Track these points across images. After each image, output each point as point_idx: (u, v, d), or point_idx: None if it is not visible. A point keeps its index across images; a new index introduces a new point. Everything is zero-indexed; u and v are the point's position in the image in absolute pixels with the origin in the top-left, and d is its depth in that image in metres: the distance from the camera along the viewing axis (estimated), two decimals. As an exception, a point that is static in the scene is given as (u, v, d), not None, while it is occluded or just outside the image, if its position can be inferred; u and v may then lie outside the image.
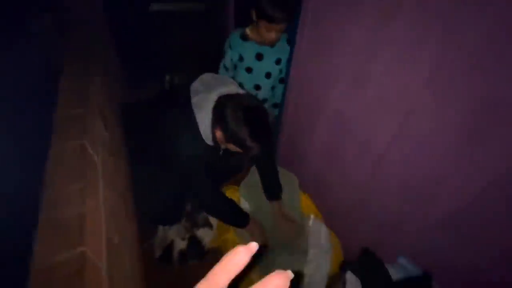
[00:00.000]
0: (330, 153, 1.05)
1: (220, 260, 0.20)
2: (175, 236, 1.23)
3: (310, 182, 1.22)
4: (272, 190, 1.16)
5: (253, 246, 0.20)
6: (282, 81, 1.27)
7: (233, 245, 1.10)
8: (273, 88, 1.30)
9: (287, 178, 1.24)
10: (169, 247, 1.22)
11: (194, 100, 0.88)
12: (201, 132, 0.88)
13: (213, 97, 0.86)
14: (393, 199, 0.83)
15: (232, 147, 0.88)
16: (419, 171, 0.73)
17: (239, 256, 0.20)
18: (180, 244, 1.22)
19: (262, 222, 1.20)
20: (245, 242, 1.07)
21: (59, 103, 0.92)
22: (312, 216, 1.16)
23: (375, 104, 0.79)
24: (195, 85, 0.92)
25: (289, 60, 1.13)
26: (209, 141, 0.91)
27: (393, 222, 0.86)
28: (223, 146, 0.97)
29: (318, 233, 1.10)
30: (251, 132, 0.80)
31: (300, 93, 1.12)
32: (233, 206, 1.04)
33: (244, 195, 1.28)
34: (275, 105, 1.39)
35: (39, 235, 0.58)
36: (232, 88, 0.91)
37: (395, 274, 0.82)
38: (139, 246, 1.20)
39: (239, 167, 1.40)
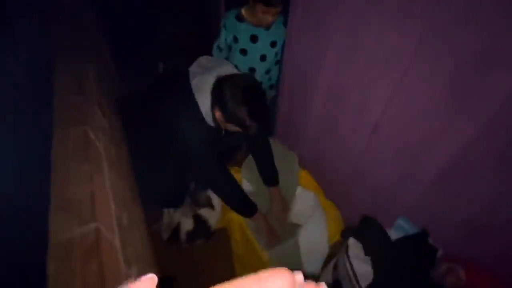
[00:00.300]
0: (326, 126, 1.07)
1: (256, 275, 0.17)
2: (181, 218, 1.27)
3: (308, 158, 1.25)
4: (268, 175, 1.19)
5: (298, 277, 0.18)
6: (278, 63, 1.27)
7: (238, 224, 1.15)
8: (268, 71, 1.30)
9: (286, 156, 1.27)
10: (177, 228, 1.26)
11: (194, 82, 0.89)
12: (203, 113, 0.90)
13: (211, 79, 0.88)
14: (389, 165, 0.86)
15: (231, 126, 0.90)
16: (413, 134, 0.76)
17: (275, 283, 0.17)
18: (187, 225, 1.25)
19: (260, 199, 1.23)
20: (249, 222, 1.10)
21: (56, 93, 0.93)
22: (299, 187, 1.20)
23: (367, 72, 0.80)
24: (193, 68, 0.93)
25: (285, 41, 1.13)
26: (210, 122, 0.92)
27: (390, 188, 0.90)
28: (222, 126, 0.99)
29: (307, 201, 1.14)
30: (250, 111, 0.82)
31: (295, 72, 1.13)
32: (242, 194, 1.06)
33: (246, 176, 1.30)
34: (271, 86, 1.39)
35: (52, 215, 0.60)
36: (229, 69, 0.92)
37: (395, 235, 0.86)
38: (147, 229, 1.24)
39: (238, 147, 1.42)
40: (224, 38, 1.19)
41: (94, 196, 0.65)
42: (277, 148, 1.30)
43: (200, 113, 0.89)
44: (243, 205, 1.06)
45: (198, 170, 1.05)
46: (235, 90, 0.81)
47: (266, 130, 1.19)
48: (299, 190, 1.18)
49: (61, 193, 0.64)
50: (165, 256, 1.26)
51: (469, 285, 0.67)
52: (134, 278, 0.20)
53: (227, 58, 1.25)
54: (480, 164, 0.67)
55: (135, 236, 0.93)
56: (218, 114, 0.88)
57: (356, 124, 0.91)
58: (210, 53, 1.32)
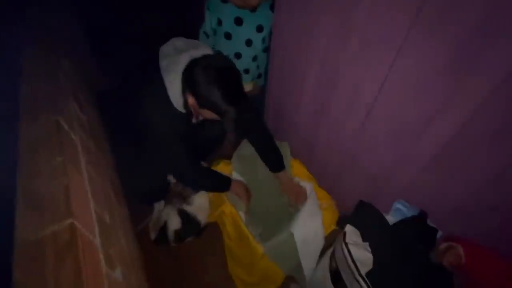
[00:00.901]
0: (318, 113, 1.04)
1: None
2: (168, 216, 1.20)
3: (300, 147, 1.22)
4: (273, 161, 1.14)
5: None
6: (266, 50, 1.22)
7: (231, 216, 1.10)
8: (255, 58, 1.24)
9: (278, 146, 1.23)
10: (164, 228, 1.19)
11: (163, 63, 0.82)
12: (170, 97, 0.82)
13: (183, 60, 0.80)
14: (384, 148, 0.84)
15: (207, 113, 0.83)
16: (409, 115, 0.74)
17: None
18: (174, 224, 1.19)
19: (253, 191, 1.19)
20: (240, 208, 1.07)
21: (24, 83, 0.83)
22: (295, 178, 1.17)
23: (360, 53, 0.77)
24: (165, 49, 0.86)
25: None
26: (180, 107, 0.85)
27: (386, 172, 0.88)
28: (200, 117, 0.92)
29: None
30: (224, 94, 0.75)
31: (284, 58, 1.09)
32: (210, 174, 1.05)
33: (236, 168, 1.25)
34: (259, 75, 1.35)
35: (18, 214, 0.53)
36: (205, 51, 0.86)
37: (393, 220, 0.84)
38: (132, 229, 1.16)
39: (220, 138, 1.36)
40: (209, 21, 1.13)
41: (69, 190, 0.57)
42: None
43: (167, 97, 0.82)
44: (217, 184, 1.06)
45: (164, 160, 0.99)
46: (207, 71, 0.75)
47: (257, 115, 1.12)
48: (295, 181, 1.15)
49: (29, 188, 0.56)
50: (153, 254, 1.20)
51: (468, 263, 0.66)
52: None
53: (213, 46, 1.20)
54: (477, 144, 0.66)
55: (118, 235, 0.86)
56: (191, 100, 0.81)
57: (350, 108, 0.88)
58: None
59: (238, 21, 1.09)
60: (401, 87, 0.72)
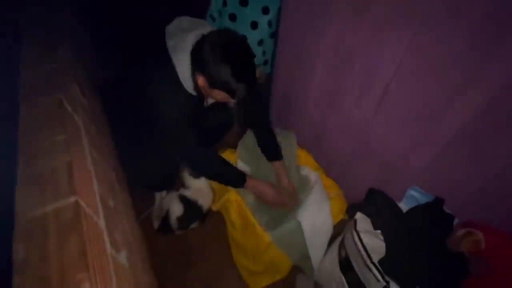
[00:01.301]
0: (329, 99, 1.01)
1: None
2: (170, 204, 1.17)
3: (307, 136, 1.19)
4: (271, 149, 1.11)
5: None
6: (273, 36, 1.19)
7: (236, 204, 1.07)
8: (261, 42, 1.21)
9: (284, 137, 1.20)
10: (166, 217, 1.16)
11: (171, 43, 0.78)
12: (180, 78, 0.79)
13: (190, 39, 0.77)
14: (399, 132, 0.81)
15: (218, 94, 0.79)
16: (425, 99, 0.71)
17: None
18: (176, 211, 1.16)
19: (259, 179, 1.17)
20: (249, 198, 1.04)
21: (24, 65, 0.80)
22: (305, 168, 1.14)
23: (377, 34, 0.74)
24: (170, 28, 0.82)
25: (280, 9, 1.05)
26: (190, 89, 0.81)
27: (399, 157, 0.85)
28: (210, 100, 0.89)
29: (308, 181, 1.09)
30: (233, 70, 0.71)
31: (293, 43, 1.06)
32: (227, 165, 0.98)
33: (242, 157, 1.23)
34: (265, 62, 1.31)
35: (18, 192, 0.50)
36: (211, 29, 0.82)
37: (406, 207, 0.81)
38: (135, 216, 1.14)
39: (228, 125, 1.33)
40: (214, 3, 1.10)
41: (72, 168, 0.55)
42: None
43: (177, 77, 0.78)
44: (231, 176, 0.97)
45: (176, 146, 0.93)
46: (214, 48, 0.70)
47: (260, 97, 1.09)
48: (304, 170, 1.11)
49: (30, 165, 0.54)
50: (156, 243, 1.18)
51: (489, 249, 0.63)
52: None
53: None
54: (497, 126, 0.63)
55: (122, 221, 0.83)
56: (200, 80, 0.77)
57: (363, 91, 0.85)
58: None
59: (243, 2, 1.06)
60: (419, 68, 0.69)
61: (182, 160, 1.13)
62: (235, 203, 1.05)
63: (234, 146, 1.25)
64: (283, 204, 1.01)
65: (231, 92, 0.75)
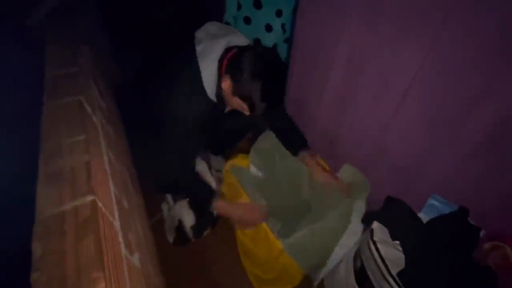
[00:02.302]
0: (343, 102, 0.99)
1: None
2: (181, 215, 1.16)
3: (319, 140, 1.17)
4: (296, 144, 1.08)
5: None
6: (287, 41, 1.19)
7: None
8: (275, 47, 1.21)
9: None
10: (179, 227, 1.15)
11: (199, 48, 0.80)
12: (204, 83, 0.80)
13: (220, 45, 0.79)
14: (419, 137, 0.78)
15: (236, 102, 0.80)
16: (449, 101, 0.68)
17: None
18: (189, 220, 1.15)
19: (271, 185, 1.15)
20: (262, 205, 1.01)
21: (48, 65, 0.84)
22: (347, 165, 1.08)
23: (397, 34, 0.72)
24: (199, 34, 0.84)
25: (294, 12, 1.05)
26: (212, 95, 0.83)
27: (419, 164, 0.82)
28: (226, 100, 0.89)
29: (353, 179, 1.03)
30: (264, 89, 0.73)
31: (307, 46, 1.05)
32: (201, 182, 1.00)
33: (254, 162, 1.22)
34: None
35: (39, 189, 0.51)
36: (241, 39, 0.84)
37: (427, 217, 0.78)
38: (147, 219, 1.14)
39: (243, 132, 1.32)
40: (229, 8, 1.12)
41: (90, 167, 0.55)
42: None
43: (201, 81, 0.79)
44: (201, 192, 0.98)
45: (171, 139, 0.92)
46: (257, 62, 0.72)
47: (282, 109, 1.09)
48: (346, 167, 1.06)
49: (50, 164, 0.55)
50: (166, 246, 1.17)
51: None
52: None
53: None
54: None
55: (136, 222, 0.84)
56: (226, 83, 0.78)
57: (380, 95, 0.83)
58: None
59: (257, 4, 1.07)
60: (444, 68, 0.66)
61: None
62: (247, 208, 1.04)
63: (245, 152, 1.24)
64: (253, 224, 0.97)
65: (251, 106, 0.76)
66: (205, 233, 1.18)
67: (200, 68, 0.79)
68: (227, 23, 1.18)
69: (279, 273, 1.00)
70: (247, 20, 1.11)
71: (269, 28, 1.12)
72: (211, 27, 0.85)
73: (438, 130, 0.72)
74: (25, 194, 0.59)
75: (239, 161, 1.22)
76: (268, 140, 1.22)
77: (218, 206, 0.96)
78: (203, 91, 0.81)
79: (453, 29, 0.61)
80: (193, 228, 1.15)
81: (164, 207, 1.26)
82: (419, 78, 0.71)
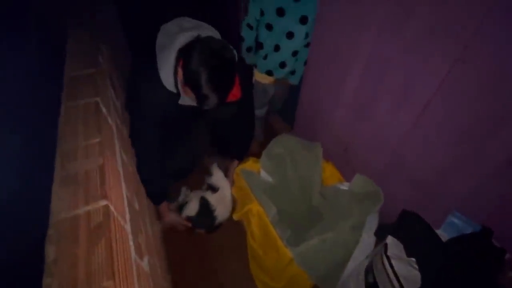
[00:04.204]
0: (360, 111, 0.96)
1: None
2: (190, 200, 1.16)
3: (334, 148, 1.14)
4: (239, 149, 1.20)
5: None
6: (308, 45, 1.15)
7: (258, 216, 1.04)
8: (295, 53, 1.17)
9: (309, 149, 1.16)
10: (182, 206, 1.15)
11: (159, 40, 0.81)
12: (161, 74, 0.79)
13: (182, 39, 0.78)
14: (438, 153, 0.75)
15: (187, 92, 0.79)
16: (475, 112, 0.64)
17: None
18: (190, 209, 1.13)
19: (281, 192, 1.15)
20: (271, 211, 1.00)
21: (68, 65, 0.85)
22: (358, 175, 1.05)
23: (420, 43, 0.69)
24: (167, 27, 0.84)
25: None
26: (170, 86, 0.82)
27: (438, 179, 0.78)
28: (181, 89, 0.87)
29: (364, 188, 1.02)
30: (210, 78, 0.72)
31: (325, 51, 1.03)
32: (157, 180, 0.99)
33: (265, 167, 1.20)
34: (292, 72, 1.28)
35: (54, 191, 0.51)
36: (210, 33, 0.82)
37: (445, 236, 0.74)
38: (157, 220, 1.15)
39: (229, 121, 1.21)
40: (252, 12, 1.10)
41: (104, 171, 0.56)
42: (295, 139, 1.19)
43: (158, 74, 0.79)
44: (152, 190, 1.01)
45: (132, 136, 0.95)
46: (205, 50, 0.72)
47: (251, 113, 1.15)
48: (358, 177, 1.04)
49: (66, 166, 0.55)
50: (176, 246, 1.17)
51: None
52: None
53: (257, 37, 1.15)
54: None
55: (146, 223, 0.84)
56: (179, 72, 0.78)
57: (400, 105, 0.80)
58: (234, 34, 1.22)
59: (280, 12, 1.05)
60: (469, 81, 0.63)
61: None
62: (257, 215, 1.03)
63: (257, 156, 1.23)
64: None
65: (199, 96, 0.75)
66: (196, 231, 1.16)
67: (157, 60, 0.79)
68: (249, 26, 1.16)
69: (287, 282, 0.99)
70: (269, 27, 1.10)
71: (290, 35, 1.10)
72: (184, 21, 0.85)
73: (460, 145, 0.69)
74: (25, 194, 0.60)
75: (250, 164, 1.21)
76: (279, 146, 1.20)
77: (161, 207, 1.07)
78: (162, 84, 0.81)
79: (485, 40, 0.57)
80: (188, 218, 1.14)
81: (183, 188, 1.28)
82: (444, 90, 0.67)
